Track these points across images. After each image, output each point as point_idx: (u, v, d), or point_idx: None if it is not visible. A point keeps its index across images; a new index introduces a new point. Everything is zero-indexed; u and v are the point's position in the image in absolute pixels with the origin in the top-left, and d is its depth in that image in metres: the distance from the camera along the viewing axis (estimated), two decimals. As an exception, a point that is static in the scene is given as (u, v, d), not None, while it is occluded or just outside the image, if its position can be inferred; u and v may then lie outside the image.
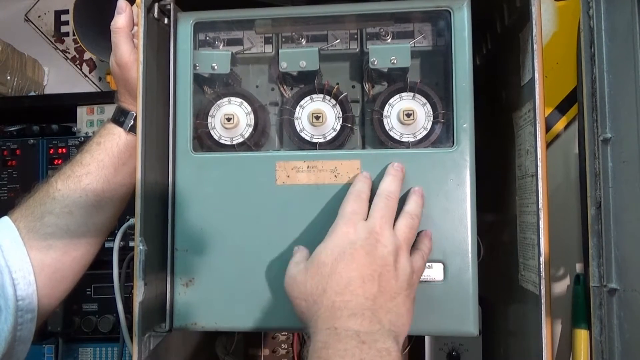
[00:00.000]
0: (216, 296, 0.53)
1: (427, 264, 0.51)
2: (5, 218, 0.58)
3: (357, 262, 0.44)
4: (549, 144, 0.81)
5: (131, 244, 0.60)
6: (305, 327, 0.45)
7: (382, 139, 0.54)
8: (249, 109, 0.56)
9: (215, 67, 0.56)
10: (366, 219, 0.47)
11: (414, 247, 0.50)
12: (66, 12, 1.19)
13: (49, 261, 0.57)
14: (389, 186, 0.49)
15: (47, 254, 0.57)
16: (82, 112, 1.01)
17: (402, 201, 0.50)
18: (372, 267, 0.44)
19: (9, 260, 0.55)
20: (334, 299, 0.43)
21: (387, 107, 0.55)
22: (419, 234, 0.51)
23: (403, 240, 0.47)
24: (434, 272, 0.51)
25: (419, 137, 0.54)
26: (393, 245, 0.46)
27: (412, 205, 0.49)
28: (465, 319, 0.51)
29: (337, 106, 0.56)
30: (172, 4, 0.55)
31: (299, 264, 0.48)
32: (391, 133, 0.54)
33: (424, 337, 0.73)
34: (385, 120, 0.54)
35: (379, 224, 0.46)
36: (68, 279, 0.59)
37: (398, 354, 0.42)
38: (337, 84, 0.58)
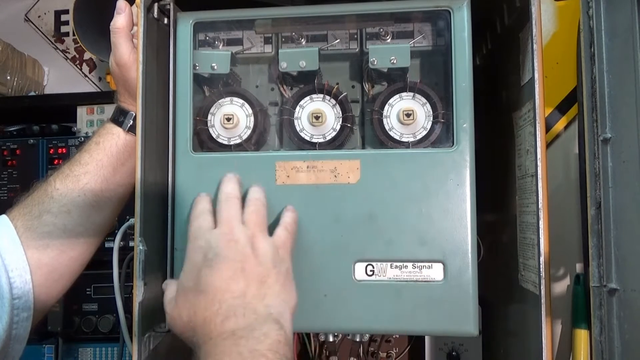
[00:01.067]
0: (216, 296, 0.53)
1: (427, 264, 0.51)
2: (3, 216, 0.58)
3: (216, 271, 0.44)
4: (549, 144, 0.81)
5: (131, 244, 0.59)
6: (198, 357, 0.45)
7: (382, 139, 0.54)
8: (249, 109, 0.56)
9: (215, 67, 0.56)
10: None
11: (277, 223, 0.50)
12: (66, 12, 1.19)
13: (45, 260, 0.57)
14: (225, 188, 0.50)
15: (44, 252, 0.57)
16: (82, 112, 1.01)
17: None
18: (232, 268, 0.44)
19: (6, 259, 0.55)
20: (205, 315, 0.43)
21: (387, 107, 0.55)
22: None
23: (254, 227, 0.47)
24: (434, 272, 0.51)
25: (418, 137, 0.54)
26: (245, 237, 0.46)
27: (251, 193, 0.51)
28: (465, 319, 0.51)
29: (337, 106, 0.56)
30: (171, 4, 0.55)
31: (171, 301, 0.47)
32: (391, 133, 0.54)
33: (424, 337, 0.73)
34: (385, 120, 0.54)
35: (227, 225, 0.47)
36: (65, 278, 0.59)
37: (279, 334, 0.42)
38: (337, 84, 0.58)
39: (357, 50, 0.58)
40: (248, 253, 0.45)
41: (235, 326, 0.42)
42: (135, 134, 0.54)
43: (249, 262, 0.45)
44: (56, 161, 0.98)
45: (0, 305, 0.53)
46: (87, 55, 1.19)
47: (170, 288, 0.49)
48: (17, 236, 0.56)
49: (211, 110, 0.57)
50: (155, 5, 0.55)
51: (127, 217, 0.69)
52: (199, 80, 0.57)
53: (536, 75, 0.49)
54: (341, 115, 0.55)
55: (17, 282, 0.55)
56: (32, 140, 0.99)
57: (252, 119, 0.56)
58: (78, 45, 1.19)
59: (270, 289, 0.45)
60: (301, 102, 0.56)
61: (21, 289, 0.55)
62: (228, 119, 0.55)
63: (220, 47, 0.58)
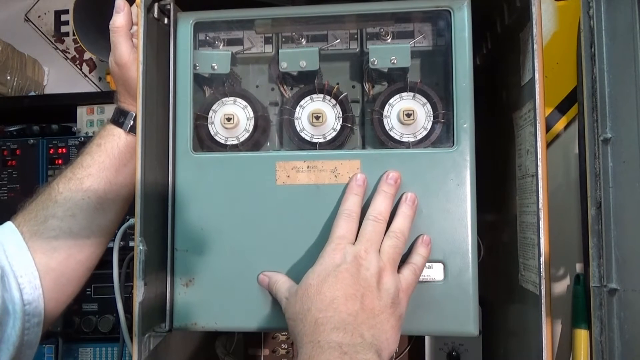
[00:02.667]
0: (216, 296, 0.53)
1: (427, 264, 0.51)
2: (9, 223, 0.58)
3: (341, 283, 0.46)
4: (549, 144, 0.81)
5: (131, 244, 0.60)
6: (295, 344, 0.47)
7: (382, 139, 0.54)
8: (249, 109, 0.56)
9: (215, 67, 0.56)
10: (355, 241, 0.49)
11: (407, 260, 0.50)
12: (66, 12, 1.19)
13: (54, 265, 0.57)
14: (379, 206, 0.50)
15: (51, 257, 0.57)
16: (82, 112, 1.01)
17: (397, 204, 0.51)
18: (355, 288, 0.46)
19: (14, 265, 0.55)
20: (317, 316, 0.45)
21: (387, 107, 0.55)
22: (415, 240, 0.51)
23: (387, 261, 0.48)
24: (434, 272, 0.51)
25: (419, 137, 0.54)
26: (376, 268, 0.47)
27: (399, 221, 0.50)
28: (465, 319, 0.51)
29: (337, 106, 0.56)
30: (172, 4, 0.55)
31: (291, 288, 0.50)
32: (391, 133, 0.54)
33: (424, 337, 0.73)
34: (385, 120, 0.54)
35: (364, 248, 0.48)
36: (73, 282, 0.59)
37: None
38: (337, 84, 0.58)
39: (357, 50, 0.58)
40: (372, 285, 0.47)
41: (342, 340, 0.43)
42: (136, 134, 0.54)
43: (369, 293, 0.46)
44: (56, 161, 0.98)
45: (12, 312, 0.53)
46: (87, 55, 1.19)
47: (282, 277, 0.51)
48: (23, 242, 0.56)
49: (212, 110, 0.57)
50: (156, 5, 0.55)
51: (127, 217, 0.69)
52: (199, 80, 0.57)
53: (536, 75, 0.49)
54: (341, 115, 0.55)
55: (27, 288, 0.55)
56: (32, 140, 0.98)
57: (252, 119, 0.56)
58: (78, 45, 1.19)
59: (380, 324, 0.46)
60: (301, 102, 0.56)
61: (31, 294, 0.55)
62: (228, 119, 0.55)
63: (221, 47, 0.58)
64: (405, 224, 0.50)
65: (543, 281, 0.47)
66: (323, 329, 0.44)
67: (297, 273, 0.52)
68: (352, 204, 0.51)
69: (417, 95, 0.54)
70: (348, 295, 0.45)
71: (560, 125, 0.82)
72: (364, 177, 0.52)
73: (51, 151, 0.98)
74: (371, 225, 0.49)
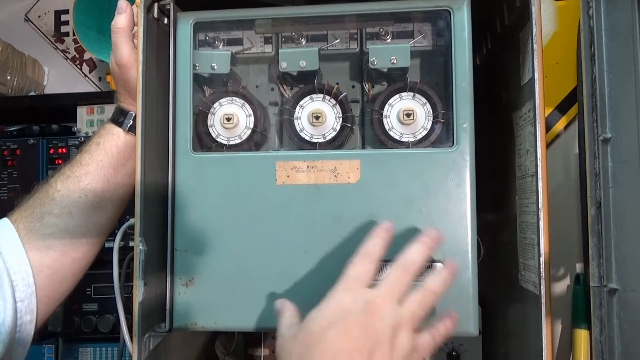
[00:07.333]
0: (216, 296, 0.53)
1: (427, 264, 0.51)
2: (4, 219, 0.58)
3: (347, 336, 0.40)
4: (549, 144, 0.81)
5: (131, 244, 0.59)
6: None
7: (382, 139, 0.54)
8: (249, 109, 0.56)
9: (215, 67, 0.56)
10: (371, 285, 0.44)
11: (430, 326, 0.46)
12: (66, 12, 1.19)
13: (48, 262, 0.57)
14: (413, 256, 0.44)
15: (46, 254, 0.57)
16: (82, 112, 1.01)
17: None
18: (362, 341, 0.40)
19: (8, 262, 0.54)
20: None
21: (387, 107, 0.55)
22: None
23: (408, 317, 0.42)
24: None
25: (418, 137, 0.54)
26: (392, 320, 0.41)
27: (435, 281, 0.45)
28: (465, 319, 0.50)
29: (337, 106, 0.56)
30: (171, 4, 0.55)
31: (291, 328, 0.45)
32: (391, 133, 0.54)
33: (424, 337, 0.73)
34: (385, 120, 0.54)
35: (382, 296, 0.42)
36: (67, 280, 0.59)
37: None
38: (337, 83, 0.58)
39: (357, 50, 0.58)
40: (384, 339, 0.40)
41: None
42: (135, 134, 0.54)
43: (380, 349, 0.40)
44: (56, 161, 0.98)
45: (3, 309, 0.53)
46: (87, 55, 1.19)
47: (290, 311, 0.46)
48: (19, 239, 0.56)
49: (211, 110, 0.57)
50: (155, 5, 0.55)
51: (127, 217, 0.69)
52: (199, 80, 0.57)
53: (536, 75, 0.49)
54: (341, 115, 0.55)
55: (20, 285, 0.55)
56: (32, 140, 0.99)
57: (252, 119, 0.56)
58: (78, 45, 1.19)
59: None
60: (301, 102, 0.56)
61: (24, 291, 0.55)
62: (228, 119, 0.55)
63: (220, 47, 0.58)
64: (440, 287, 0.44)
65: (543, 281, 0.47)
66: None
67: (296, 273, 0.52)
68: (374, 245, 0.45)
69: (417, 95, 0.54)
70: (353, 350, 0.39)
71: (560, 125, 0.82)
72: (392, 225, 0.47)
73: (51, 151, 0.98)
74: (398, 272, 0.43)
